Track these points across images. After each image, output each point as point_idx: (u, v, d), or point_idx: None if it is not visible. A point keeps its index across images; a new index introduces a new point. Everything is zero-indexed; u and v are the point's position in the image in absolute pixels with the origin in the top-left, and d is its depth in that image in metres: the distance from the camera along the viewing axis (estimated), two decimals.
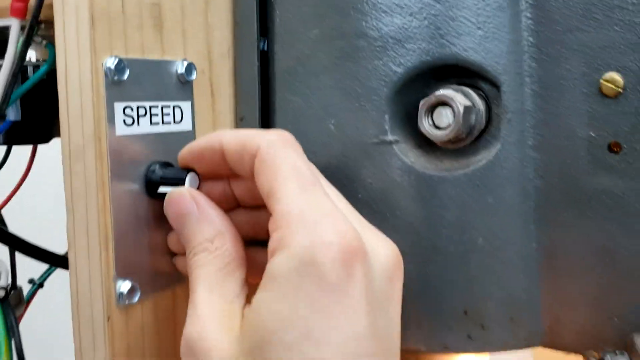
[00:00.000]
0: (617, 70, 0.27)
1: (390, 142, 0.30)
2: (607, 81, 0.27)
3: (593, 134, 0.28)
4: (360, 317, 0.22)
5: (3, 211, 0.36)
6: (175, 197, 0.26)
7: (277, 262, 0.22)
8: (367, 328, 0.22)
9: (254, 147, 0.25)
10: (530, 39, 0.29)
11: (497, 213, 0.30)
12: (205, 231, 0.25)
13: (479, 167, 0.30)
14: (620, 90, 0.27)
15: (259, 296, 0.22)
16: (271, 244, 0.23)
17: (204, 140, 0.27)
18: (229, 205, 0.28)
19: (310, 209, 0.23)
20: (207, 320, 0.23)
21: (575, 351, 0.29)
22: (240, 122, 0.32)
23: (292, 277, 0.21)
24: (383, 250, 0.24)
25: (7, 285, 0.34)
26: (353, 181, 0.30)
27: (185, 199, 0.26)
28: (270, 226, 0.23)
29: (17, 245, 0.32)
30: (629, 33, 0.27)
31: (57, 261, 0.33)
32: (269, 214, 0.24)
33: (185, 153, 0.27)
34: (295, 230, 0.22)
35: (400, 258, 0.25)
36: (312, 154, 0.29)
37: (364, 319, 0.22)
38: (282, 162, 0.24)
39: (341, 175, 0.30)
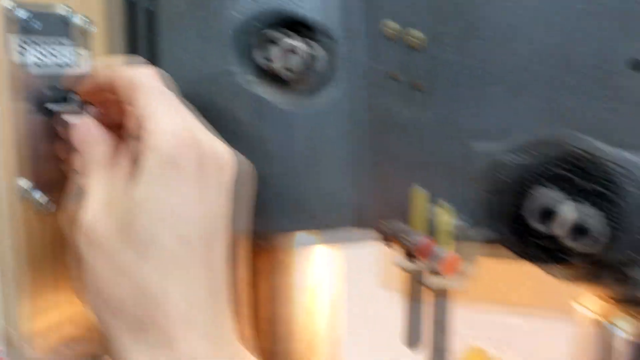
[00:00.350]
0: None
1: (236, 74, 0.38)
2: (409, 35, 0.37)
3: (402, 78, 0.38)
4: (211, 199, 0.31)
5: None
6: (81, 126, 0.34)
7: (145, 159, 0.30)
8: (218, 205, 0.31)
9: (130, 78, 0.33)
10: None
11: (330, 136, 0.39)
12: (101, 150, 0.33)
13: (319, 102, 0.39)
14: (423, 42, 0.37)
15: (131, 185, 0.31)
16: (142, 146, 0.31)
17: (95, 75, 0.35)
18: (112, 127, 0.36)
19: (171, 120, 0.31)
20: (96, 207, 0.31)
21: (372, 226, 0.39)
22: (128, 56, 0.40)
23: (155, 169, 0.30)
24: (224, 154, 0.33)
25: None
26: (210, 110, 0.38)
27: (88, 127, 0.34)
28: (142, 134, 0.31)
29: None
30: None
31: None
32: (139, 131, 0.32)
33: (81, 85, 0.35)
34: (158, 134, 0.30)
35: (236, 160, 0.34)
36: (180, 87, 0.37)
37: (216, 200, 0.31)
38: (151, 87, 0.32)
39: (199, 103, 0.38)
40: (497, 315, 0.99)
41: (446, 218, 0.34)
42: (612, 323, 0.40)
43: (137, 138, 0.31)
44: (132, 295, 0.29)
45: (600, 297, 0.41)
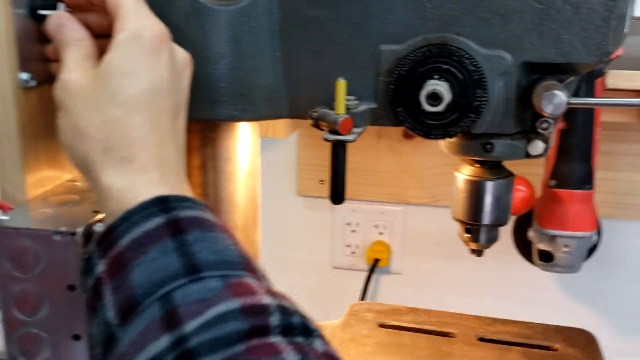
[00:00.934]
0: None
1: None
2: None
3: None
4: (165, 73, 0.41)
5: None
6: (55, 15, 0.42)
7: (118, 36, 0.40)
8: (169, 80, 0.41)
9: None
10: None
11: (256, 32, 0.49)
12: (75, 35, 0.42)
13: (245, 4, 0.49)
14: None
15: (107, 54, 0.40)
16: (115, 30, 0.40)
17: None
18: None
19: (139, 12, 0.40)
20: (72, 66, 0.40)
21: (304, 117, 0.50)
22: None
23: (126, 43, 0.40)
24: (186, 55, 0.44)
25: None
26: (168, 15, 0.47)
27: (62, 16, 0.42)
28: (115, 23, 0.40)
29: None
30: None
31: None
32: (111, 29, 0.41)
33: None
34: (130, 20, 0.40)
35: (191, 59, 0.44)
36: None
37: (167, 74, 0.41)
38: None
39: (160, 11, 0.47)
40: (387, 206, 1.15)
41: (343, 91, 0.46)
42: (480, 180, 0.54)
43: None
44: (103, 126, 0.39)
45: (470, 164, 0.55)
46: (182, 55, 0.45)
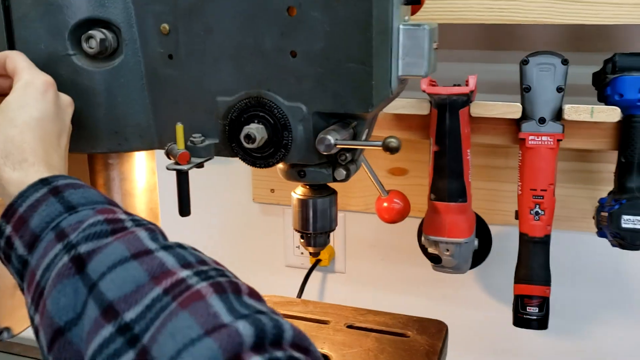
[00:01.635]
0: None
1: (72, 55, 0.64)
2: (162, 26, 0.63)
3: (162, 50, 0.64)
4: (50, 107, 0.57)
5: None
6: None
7: (16, 85, 0.57)
8: (54, 112, 0.57)
9: (4, 54, 0.59)
10: (129, 1, 0.64)
11: (126, 86, 0.65)
12: None
13: (115, 65, 0.65)
14: (167, 31, 0.63)
15: (8, 96, 0.57)
16: (14, 82, 0.57)
17: None
18: None
19: (31, 69, 0.58)
20: None
21: (162, 146, 0.66)
22: None
23: (22, 87, 0.57)
24: (68, 98, 0.61)
25: None
26: (57, 75, 0.64)
27: None
28: (14, 79, 0.58)
29: None
30: None
31: None
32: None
33: None
34: (24, 74, 0.57)
35: (72, 102, 0.61)
36: (36, 61, 0.62)
37: (52, 108, 0.57)
38: (21, 56, 0.59)
39: (50, 72, 0.63)
40: None
41: (181, 133, 0.61)
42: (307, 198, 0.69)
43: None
44: (3, 141, 0.54)
45: (303, 186, 0.70)
46: (65, 98, 0.62)
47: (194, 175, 0.63)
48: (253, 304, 0.42)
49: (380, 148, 0.59)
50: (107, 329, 0.41)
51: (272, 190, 1.33)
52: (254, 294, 0.44)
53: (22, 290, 0.50)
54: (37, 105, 0.57)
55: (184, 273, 0.44)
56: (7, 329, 0.58)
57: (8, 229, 0.51)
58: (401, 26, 0.61)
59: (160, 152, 0.71)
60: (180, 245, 0.48)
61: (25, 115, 0.56)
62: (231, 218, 1.38)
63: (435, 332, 0.83)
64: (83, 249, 0.46)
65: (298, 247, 1.35)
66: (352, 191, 1.27)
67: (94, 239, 0.47)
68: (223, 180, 1.36)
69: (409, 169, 1.20)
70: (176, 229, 0.64)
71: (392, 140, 0.56)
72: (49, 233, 0.49)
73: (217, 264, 0.47)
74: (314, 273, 1.32)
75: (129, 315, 0.41)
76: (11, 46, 0.65)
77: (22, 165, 0.54)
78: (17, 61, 0.59)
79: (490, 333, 1.23)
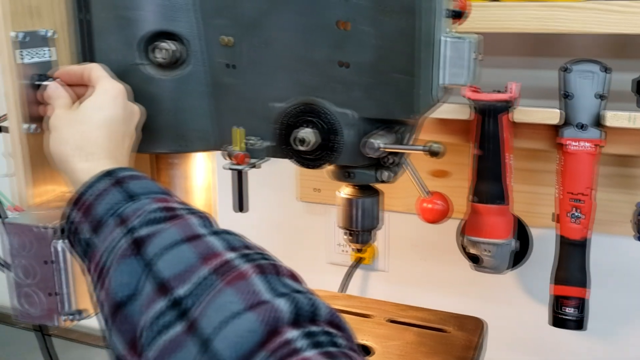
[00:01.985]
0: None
1: (143, 64, 0.70)
2: (225, 38, 0.69)
3: (224, 61, 0.70)
4: (120, 112, 0.64)
5: None
6: (50, 84, 0.66)
7: (93, 92, 0.64)
8: (122, 116, 0.64)
9: (86, 65, 0.66)
10: (197, 16, 0.70)
11: (191, 93, 0.71)
12: (61, 93, 0.66)
13: (183, 74, 0.71)
14: (231, 42, 0.69)
15: (85, 100, 0.64)
16: (92, 88, 0.64)
17: (63, 68, 0.67)
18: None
19: (107, 78, 0.65)
20: (61, 107, 0.64)
21: (219, 149, 0.72)
22: (74, 55, 0.72)
23: (97, 93, 0.64)
24: (137, 107, 0.67)
25: None
26: (130, 83, 0.70)
27: (53, 84, 0.66)
28: (92, 86, 0.65)
29: None
30: None
31: None
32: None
33: (59, 71, 0.68)
34: (101, 82, 0.64)
35: (140, 111, 0.67)
36: (112, 70, 0.69)
37: (121, 113, 0.64)
38: (99, 69, 0.65)
39: (124, 79, 0.70)
40: None
41: (238, 136, 0.67)
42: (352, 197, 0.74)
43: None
44: (77, 136, 0.61)
45: (349, 186, 0.75)
46: (135, 107, 0.68)
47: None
48: (292, 284, 0.46)
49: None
50: (161, 303, 0.46)
51: (317, 190, 1.38)
52: (293, 275, 0.49)
53: (86, 270, 0.56)
54: (110, 108, 0.64)
55: (229, 255, 0.48)
56: (82, 311, 0.65)
57: (76, 215, 0.57)
58: (444, 38, 0.65)
59: (219, 153, 0.78)
60: (228, 232, 0.53)
61: (100, 115, 0.63)
62: (276, 216, 1.44)
63: (473, 328, 0.87)
64: (141, 232, 0.52)
65: (340, 245, 1.40)
66: (395, 192, 1.31)
67: (150, 224, 0.52)
68: (269, 179, 1.41)
69: (450, 172, 1.23)
70: (227, 225, 0.69)
71: (436, 145, 0.60)
72: (112, 219, 0.54)
73: (260, 248, 0.52)
74: (357, 271, 1.37)
75: (180, 291, 0.46)
76: (91, 56, 0.72)
77: (91, 157, 0.61)
78: (98, 71, 0.67)
79: (528, 332, 1.25)
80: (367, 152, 0.64)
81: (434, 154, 0.61)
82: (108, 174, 0.58)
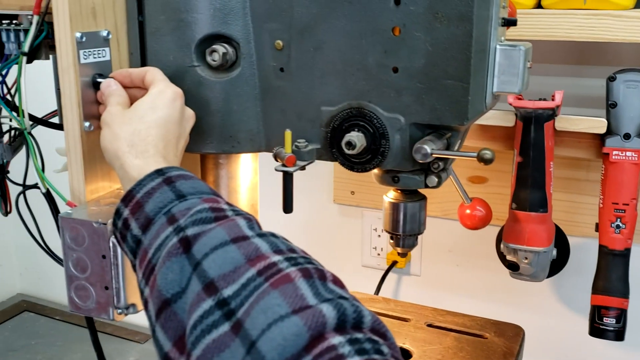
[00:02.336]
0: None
1: (196, 66, 0.72)
2: (276, 42, 0.70)
3: (275, 64, 0.71)
4: (175, 114, 0.66)
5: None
6: (106, 79, 0.68)
7: (151, 91, 0.66)
8: (177, 118, 0.66)
9: (143, 69, 0.68)
10: (249, 19, 0.71)
11: (242, 95, 0.73)
12: (117, 90, 0.67)
13: (233, 77, 0.72)
14: (281, 46, 0.70)
15: (138, 100, 0.66)
16: (149, 89, 0.66)
17: (128, 70, 0.69)
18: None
19: (165, 81, 0.67)
20: (115, 105, 0.66)
21: (269, 150, 0.73)
22: (131, 55, 0.74)
23: (154, 94, 0.65)
24: (191, 111, 0.69)
25: None
26: (182, 84, 0.72)
27: (110, 80, 0.68)
28: (149, 87, 0.66)
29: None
30: None
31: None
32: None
33: (117, 72, 0.69)
34: (159, 84, 0.66)
35: (194, 115, 0.69)
36: (165, 71, 0.71)
37: (176, 115, 0.66)
38: (157, 72, 0.67)
39: (176, 82, 0.71)
40: None
41: (289, 139, 0.68)
42: (398, 202, 0.75)
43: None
44: (130, 133, 0.63)
45: (394, 190, 0.76)
46: (189, 111, 0.70)
47: (275, 178, 0.70)
48: (336, 290, 0.46)
49: (472, 159, 0.63)
50: (207, 303, 0.47)
51: (352, 193, 1.39)
52: (337, 281, 0.49)
53: (133, 267, 0.58)
54: (165, 109, 0.65)
55: (275, 258, 0.48)
56: (133, 305, 0.66)
57: (126, 212, 0.58)
58: (498, 46, 0.65)
59: (263, 155, 0.79)
60: (273, 235, 0.53)
61: (154, 115, 0.65)
62: (312, 218, 1.45)
63: (512, 335, 0.87)
64: (190, 232, 0.52)
65: (375, 248, 1.41)
66: (431, 197, 1.30)
67: (199, 224, 0.53)
68: (305, 181, 1.43)
69: (489, 178, 1.23)
70: (264, 225, 0.70)
71: (487, 152, 0.61)
72: (162, 217, 0.55)
73: (305, 253, 0.52)
74: (389, 274, 1.38)
75: (227, 291, 0.47)
76: (143, 57, 0.74)
77: (143, 155, 0.62)
78: (155, 74, 0.68)
79: (565, 341, 1.25)
80: (418, 158, 0.64)
81: (484, 160, 0.61)
82: (158, 172, 0.59)
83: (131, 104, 0.68)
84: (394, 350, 0.44)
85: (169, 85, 0.67)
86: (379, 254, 1.41)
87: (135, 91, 0.70)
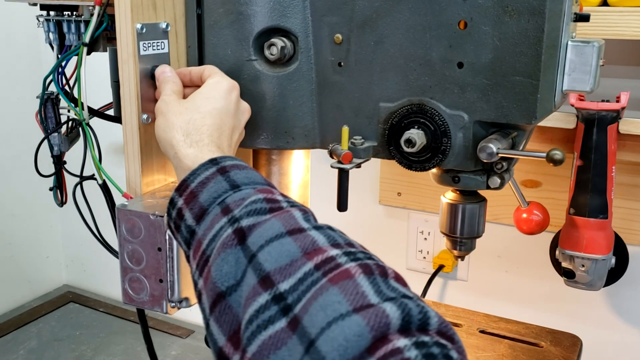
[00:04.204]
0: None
1: (254, 60, 0.71)
2: (335, 36, 0.69)
3: (333, 58, 0.70)
4: (231, 105, 0.65)
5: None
6: (161, 65, 0.68)
7: (208, 81, 0.65)
8: (232, 110, 0.65)
9: (201, 66, 0.67)
10: (308, 13, 0.70)
11: (298, 90, 0.72)
12: (172, 77, 0.67)
13: (290, 71, 0.71)
14: (340, 40, 0.69)
15: (199, 89, 0.65)
16: (206, 80, 0.66)
17: (188, 68, 0.69)
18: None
19: (221, 73, 0.66)
20: (170, 94, 0.65)
21: (323, 146, 0.72)
22: (188, 48, 0.73)
23: (211, 84, 0.65)
24: (246, 104, 0.68)
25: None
26: (239, 78, 0.71)
27: (165, 66, 0.68)
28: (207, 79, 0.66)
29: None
30: None
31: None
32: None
33: (177, 71, 0.69)
34: (216, 76, 0.65)
35: (249, 108, 0.68)
36: (221, 65, 0.70)
37: (232, 107, 0.65)
38: (214, 68, 0.66)
39: (233, 75, 0.71)
40: None
41: (346, 135, 0.66)
42: (456, 203, 0.72)
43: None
44: (186, 122, 0.62)
45: (453, 191, 0.73)
46: (245, 104, 0.69)
47: (324, 175, 0.68)
48: (399, 288, 0.43)
49: (539, 159, 0.61)
50: (263, 297, 0.45)
51: (399, 194, 1.36)
52: (400, 278, 0.46)
53: (187, 258, 0.56)
54: (221, 100, 0.65)
55: (333, 252, 0.46)
56: (186, 299, 0.66)
57: (180, 202, 0.57)
58: (570, 42, 0.63)
59: (315, 152, 0.77)
60: (330, 228, 0.51)
61: (210, 105, 0.64)
62: (356, 218, 1.43)
63: (569, 345, 0.83)
64: (245, 223, 0.51)
65: (420, 251, 1.38)
66: None
67: (254, 215, 0.52)
68: (352, 181, 1.40)
69: (542, 182, 1.19)
70: None
71: (557, 152, 0.58)
72: (216, 207, 0.54)
73: (364, 248, 0.49)
74: (435, 278, 1.35)
75: (283, 285, 0.45)
76: (201, 50, 0.73)
77: (198, 144, 0.61)
78: (213, 70, 0.68)
79: (621, 355, 1.20)
80: (483, 157, 0.62)
81: (554, 161, 0.59)
82: (213, 161, 0.58)
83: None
84: (463, 356, 0.41)
85: (225, 77, 0.67)
86: (424, 257, 1.38)
87: (192, 90, 0.69)
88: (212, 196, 0.55)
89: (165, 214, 0.63)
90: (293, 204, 0.54)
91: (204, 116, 0.63)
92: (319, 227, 0.51)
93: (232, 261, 0.49)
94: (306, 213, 0.53)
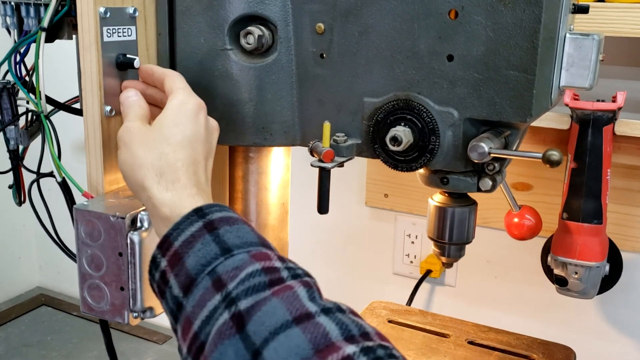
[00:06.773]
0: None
1: (229, 49, 0.66)
2: (317, 25, 0.64)
3: (314, 49, 0.65)
4: (201, 129, 0.58)
5: None
6: (125, 90, 0.61)
7: (171, 103, 0.58)
8: (204, 134, 0.58)
9: (171, 76, 0.61)
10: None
11: (277, 83, 0.66)
12: (137, 101, 0.60)
13: (269, 62, 0.66)
14: (322, 30, 0.64)
15: (162, 113, 0.58)
16: (169, 100, 0.58)
17: (152, 67, 0.63)
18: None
19: (186, 90, 0.59)
20: (133, 120, 0.58)
21: (304, 144, 0.67)
22: (159, 36, 0.68)
23: (176, 106, 0.57)
24: (215, 123, 0.61)
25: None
26: (213, 69, 0.66)
27: (129, 90, 0.60)
28: (169, 97, 0.58)
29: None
30: None
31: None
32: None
33: (143, 66, 0.63)
34: (179, 94, 0.58)
35: (218, 127, 0.62)
36: (194, 54, 0.65)
37: (202, 130, 0.58)
38: (177, 79, 0.60)
39: (206, 66, 0.66)
40: None
41: (328, 132, 0.61)
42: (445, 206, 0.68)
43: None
44: (157, 158, 0.55)
45: (442, 193, 0.69)
46: (213, 122, 0.62)
47: (306, 174, 0.63)
48: None
49: (535, 160, 0.56)
50: None
51: (386, 195, 1.31)
52: None
53: (174, 330, 0.50)
54: (190, 125, 0.57)
55: (349, 349, 0.41)
56: (151, 309, 0.60)
57: (163, 263, 0.50)
58: (568, 35, 0.58)
59: (296, 149, 0.72)
60: (340, 309, 0.46)
61: (179, 134, 0.56)
62: (341, 220, 1.38)
63: (562, 357, 0.79)
64: (243, 305, 0.45)
65: (407, 255, 1.33)
66: None
67: (252, 293, 0.46)
68: (336, 181, 1.35)
69: (533, 185, 1.15)
70: (294, 226, 0.63)
71: (554, 153, 0.53)
72: (205, 278, 0.48)
73: (380, 336, 0.44)
74: (422, 284, 1.30)
75: None
76: (172, 38, 0.68)
77: (175, 186, 0.54)
78: (175, 81, 0.60)
79: None
80: (473, 157, 0.57)
81: (551, 162, 0.54)
82: (197, 212, 0.51)
83: (149, 102, 0.61)
84: (402, 355, 0.42)
85: (190, 96, 0.59)
86: (411, 262, 1.33)
87: (154, 91, 0.64)
88: (200, 262, 0.49)
89: (127, 216, 0.58)
90: (294, 273, 0.48)
91: (175, 149, 0.56)
92: (327, 310, 0.45)
93: (232, 354, 0.44)
94: (310, 288, 0.47)
